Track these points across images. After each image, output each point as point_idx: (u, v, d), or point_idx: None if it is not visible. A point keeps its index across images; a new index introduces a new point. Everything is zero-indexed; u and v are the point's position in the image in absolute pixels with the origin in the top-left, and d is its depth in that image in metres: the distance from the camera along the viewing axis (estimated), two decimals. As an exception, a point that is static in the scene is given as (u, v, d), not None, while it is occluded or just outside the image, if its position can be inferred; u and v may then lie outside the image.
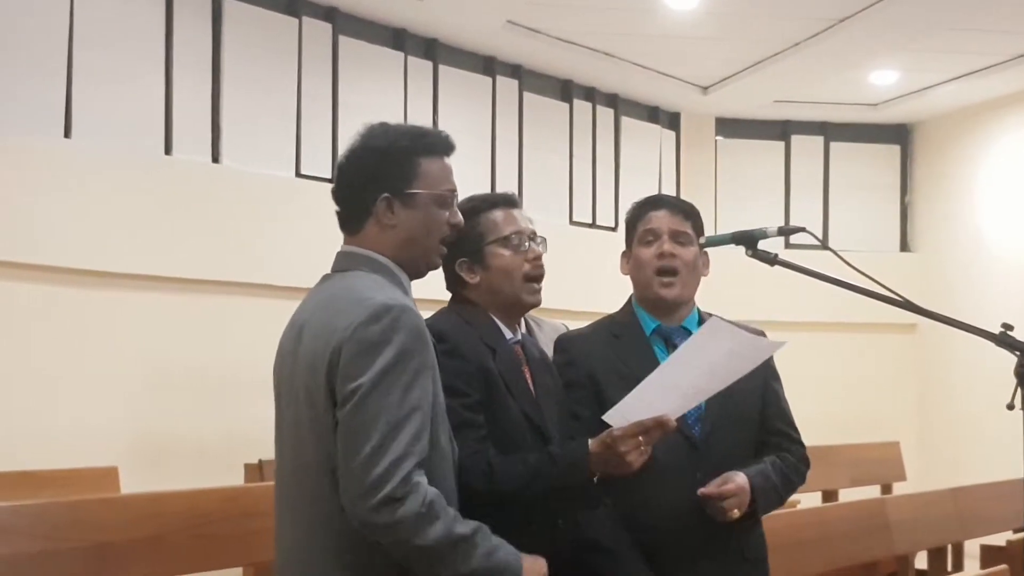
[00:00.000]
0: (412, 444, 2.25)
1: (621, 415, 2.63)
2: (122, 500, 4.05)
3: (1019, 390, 2.35)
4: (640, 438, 2.59)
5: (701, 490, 2.83)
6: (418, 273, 2.56)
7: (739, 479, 2.85)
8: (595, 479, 2.65)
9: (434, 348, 2.44)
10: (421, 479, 2.24)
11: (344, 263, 2.52)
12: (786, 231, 2.81)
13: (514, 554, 2.39)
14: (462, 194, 3.00)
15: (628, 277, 3.13)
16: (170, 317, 6.06)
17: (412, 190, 2.49)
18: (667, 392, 2.65)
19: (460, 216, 2.58)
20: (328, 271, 2.56)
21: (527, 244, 2.88)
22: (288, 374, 2.45)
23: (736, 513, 2.83)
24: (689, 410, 2.81)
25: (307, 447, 2.37)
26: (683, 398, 2.70)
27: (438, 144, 2.57)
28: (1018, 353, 2.37)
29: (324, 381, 2.32)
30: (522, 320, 3.04)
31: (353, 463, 2.23)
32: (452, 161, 2.59)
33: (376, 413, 2.25)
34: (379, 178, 2.48)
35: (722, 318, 2.78)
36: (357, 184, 2.51)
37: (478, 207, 2.89)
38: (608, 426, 2.64)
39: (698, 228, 3.08)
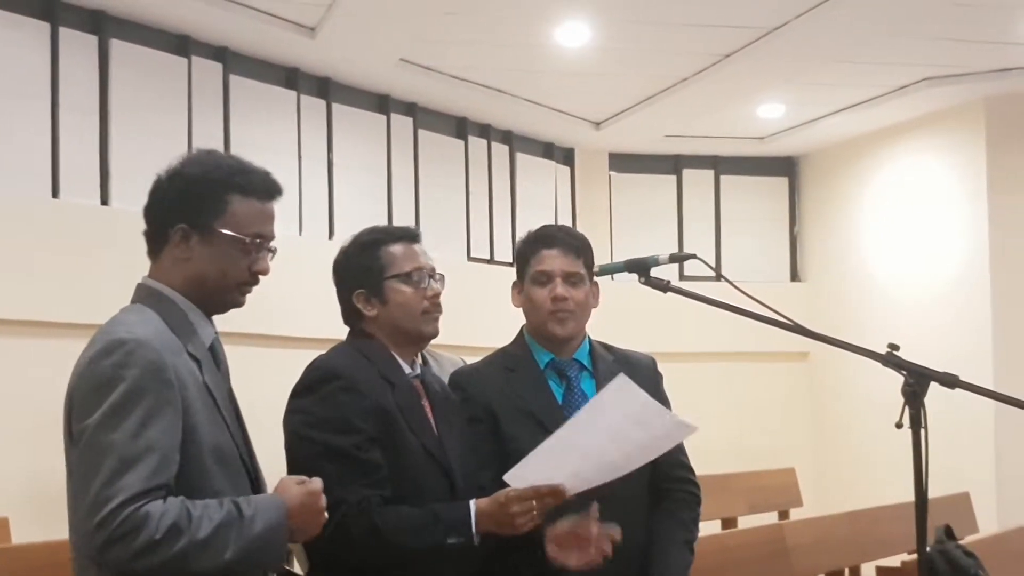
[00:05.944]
0: (148, 481, 2.06)
1: (522, 476, 2.60)
2: (15, 550, 3.94)
3: (906, 408, 2.41)
4: (533, 503, 2.58)
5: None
6: (209, 313, 2.39)
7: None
8: (480, 538, 2.62)
9: (328, 385, 2.38)
10: (151, 508, 2.05)
11: (134, 296, 2.39)
12: (678, 258, 2.89)
13: (275, 509, 2.19)
14: (357, 229, 3.00)
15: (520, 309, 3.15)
16: (59, 362, 5.86)
17: (212, 227, 2.31)
18: (569, 455, 2.61)
19: (267, 265, 2.38)
20: None
21: (427, 281, 2.89)
22: None
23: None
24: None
25: (68, 484, 2.22)
26: (595, 469, 2.65)
27: (257, 185, 2.36)
28: (904, 372, 2.42)
29: (65, 419, 2.21)
30: (420, 354, 3.04)
31: (82, 503, 2.08)
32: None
33: (103, 452, 2.07)
34: (181, 207, 2.31)
35: (631, 381, 2.65)
36: (160, 208, 2.35)
37: (380, 239, 2.91)
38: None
39: (589, 263, 3.12)
